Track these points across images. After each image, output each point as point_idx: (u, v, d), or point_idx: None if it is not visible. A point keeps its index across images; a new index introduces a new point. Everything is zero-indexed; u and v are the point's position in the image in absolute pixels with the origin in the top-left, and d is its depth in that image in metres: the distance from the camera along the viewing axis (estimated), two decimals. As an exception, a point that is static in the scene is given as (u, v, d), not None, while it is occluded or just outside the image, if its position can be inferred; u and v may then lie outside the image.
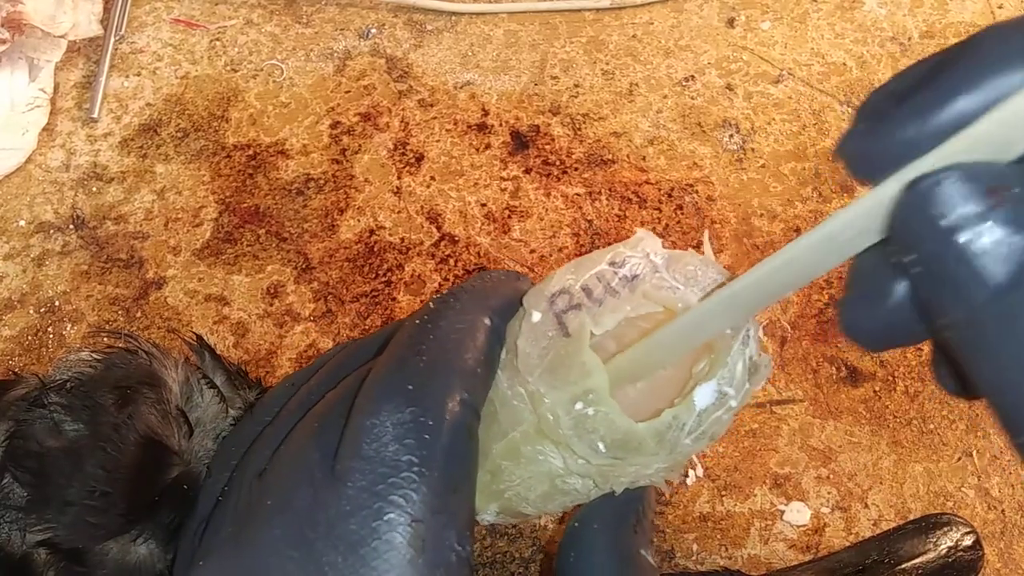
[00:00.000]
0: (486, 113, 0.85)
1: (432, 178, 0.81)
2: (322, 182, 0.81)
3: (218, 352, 0.38)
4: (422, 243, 0.78)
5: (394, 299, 0.75)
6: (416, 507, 0.25)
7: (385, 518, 0.24)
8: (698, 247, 0.31)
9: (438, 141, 0.83)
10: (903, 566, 0.60)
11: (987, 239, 0.18)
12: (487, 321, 0.29)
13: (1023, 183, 0.19)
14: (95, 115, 0.84)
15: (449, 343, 0.28)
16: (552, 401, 0.28)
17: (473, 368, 0.28)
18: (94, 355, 0.34)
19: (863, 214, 0.21)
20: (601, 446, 0.28)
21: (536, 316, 0.29)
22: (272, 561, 0.25)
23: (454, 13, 0.91)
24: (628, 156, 0.82)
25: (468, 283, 0.31)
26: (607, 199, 0.80)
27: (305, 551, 0.25)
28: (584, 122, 0.85)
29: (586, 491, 0.31)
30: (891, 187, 0.20)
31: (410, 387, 0.27)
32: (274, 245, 0.78)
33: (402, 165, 0.82)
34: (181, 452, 0.34)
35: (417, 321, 0.29)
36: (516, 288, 0.31)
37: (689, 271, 0.29)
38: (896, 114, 0.20)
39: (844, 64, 0.88)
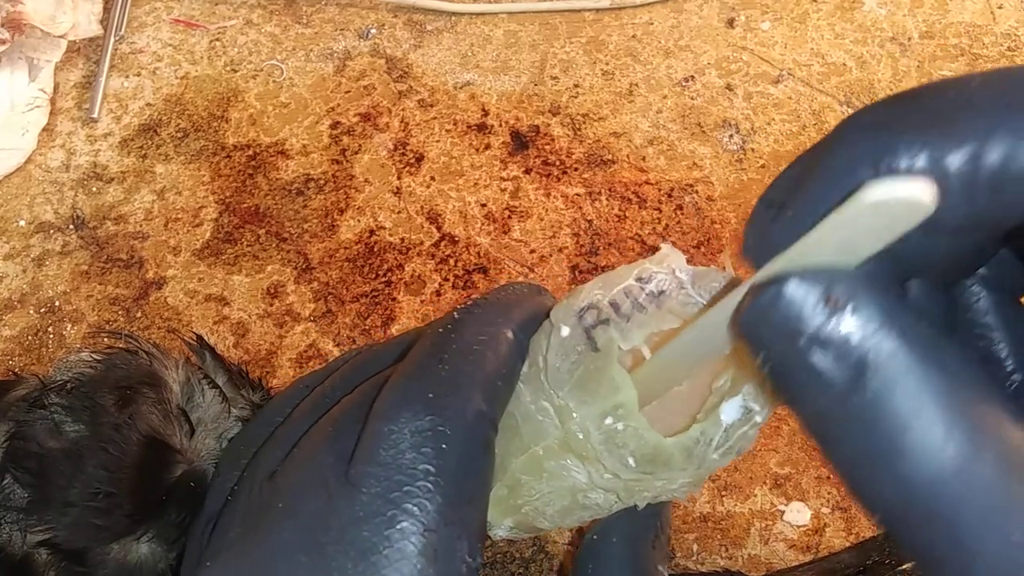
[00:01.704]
0: (486, 113, 0.85)
1: (432, 178, 0.81)
2: (322, 182, 0.81)
3: (218, 352, 0.38)
4: (422, 243, 0.78)
5: (394, 299, 0.75)
6: (430, 517, 0.25)
7: (398, 526, 0.24)
8: (698, 256, 0.31)
9: (438, 141, 0.83)
10: (904, 566, 0.60)
11: (824, 346, 0.19)
12: (510, 334, 0.29)
13: (865, 288, 0.19)
14: (95, 115, 0.84)
15: (471, 354, 0.28)
16: (581, 416, 0.28)
17: (494, 380, 0.28)
18: (94, 356, 0.34)
19: (716, 322, 0.23)
20: (631, 461, 0.29)
21: (565, 331, 0.29)
22: (281, 564, 0.25)
23: (454, 13, 0.91)
24: (628, 156, 0.82)
25: (492, 294, 0.31)
26: (607, 199, 0.80)
27: (315, 555, 0.25)
28: (584, 122, 0.85)
29: (607, 506, 0.31)
30: (738, 294, 0.21)
31: (431, 395, 0.27)
32: (274, 245, 0.78)
33: (402, 165, 0.82)
34: (184, 451, 0.34)
35: (440, 330, 0.29)
36: (539, 302, 0.31)
37: (714, 288, 0.30)
38: (771, 228, 0.22)
39: (844, 64, 0.88)
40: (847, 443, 0.19)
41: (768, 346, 0.20)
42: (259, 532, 0.27)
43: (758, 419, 0.29)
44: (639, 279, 0.30)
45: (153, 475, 0.32)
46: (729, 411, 0.29)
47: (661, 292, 0.29)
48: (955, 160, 0.18)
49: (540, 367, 0.30)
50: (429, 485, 0.25)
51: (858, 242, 0.19)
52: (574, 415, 0.29)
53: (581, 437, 0.29)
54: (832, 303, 0.19)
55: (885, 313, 0.19)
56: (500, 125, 0.84)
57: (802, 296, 0.19)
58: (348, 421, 0.28)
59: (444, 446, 0.26)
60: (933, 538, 0.18)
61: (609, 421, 0.28)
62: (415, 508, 0.25)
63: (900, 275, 0.22)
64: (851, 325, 0.19)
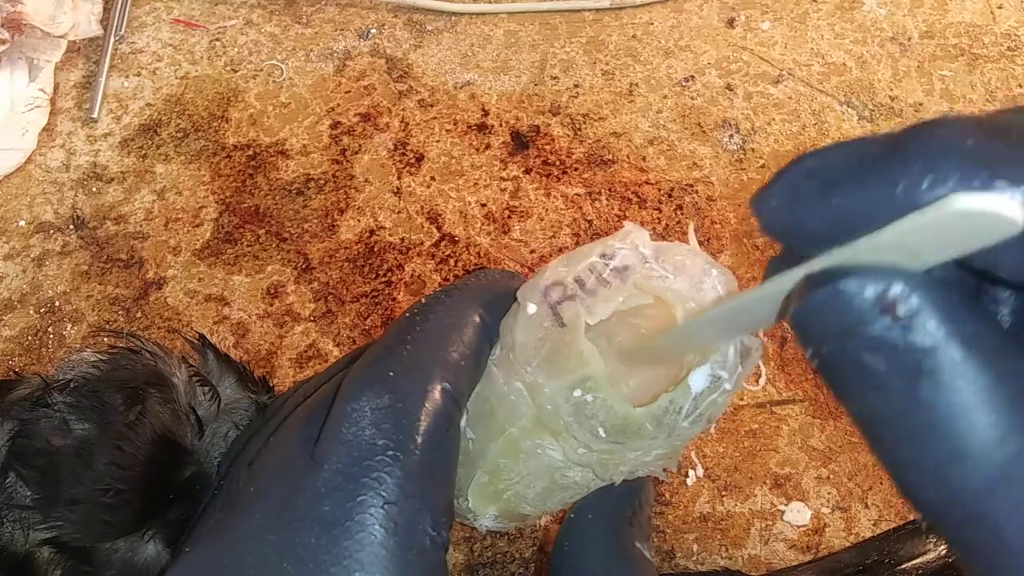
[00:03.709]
0: (486, 113, 0.85)
1: (432, 178, 0.81)
2: (322, 182, 0.81)
3: (222, 352, 0.39)
4: (422, 243, 0.78)
5: (394, 299, 0.75)
6: (389, 490, 0.25)
7: (358, 499, 0.25)
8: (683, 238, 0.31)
9: (438, 141, 0.84)
10: (903, 566, 0.60)
11: (879, 348, 0.18)
12: (476, 317, 0.30)
13: (929, 291, 0.18)
14: (95, 115, 0.84)
15: (435, 335, 0.29)
16: (551, 390, 0.29)
17: (457, 360, 0.28)
18: (99, 355, 0.34)
19: (764, 298, 0.21)
20: (601, 431, 0.29)
21: (531, 308, 0.30)
22: (251, 544, 0.26)
23: (454, 13, 0.91)
24: (628, 156, 0.83)
25: (462, 280, 0.31)
26: (607, 199, 0.80)
27: (282, 533, 0.25)
28: (584, 122, 0.85)
29: (585, 484, 0.32)
30: (791, 278, 0.20)
31: (391, 374, 0.27)
32: (274, 245, 0.78)
33: (402, 165, 0.82)
34: (194, 451, 0.34)
35: (407, 314, 0.30)
36: (509, 286, 0.31)
37: (677, 261, 0.30)
38: (816, 207, 0.20)
39: (844, 64, 0.88)
40: (895, 444, 0.19)
41: (820, 342, 0.19)
42: (233, 515, 0.27)
43: (727, 386, 0.30)
44: (603, 255, 0.30)
45: (164, 474, 0.33)
46: (698, 379, 0.29)
47: (625, 267, 0.30)
48: None
49: (510, 346, 0.30)
50: (388, 459, 0.26)
51: (929, 248, 0.18)
52: (544, 390, 0.29)
53: (551, 411, 0.29)
54: (891, 305, 0.18)
55: (948, 319, 0.18)
56: (500, 125, 0.84)
57: (861, 295, 0.18)
58: (318, 407, 0.29)
59: (403, 422, 0.26)
60: (979, 539, 0.18)
61: (578, 393, 0.29)
62: (374, 482, 0.25)
63: (970, 279, 0.21)
64: (909, 330, 0.18)
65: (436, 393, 0.27)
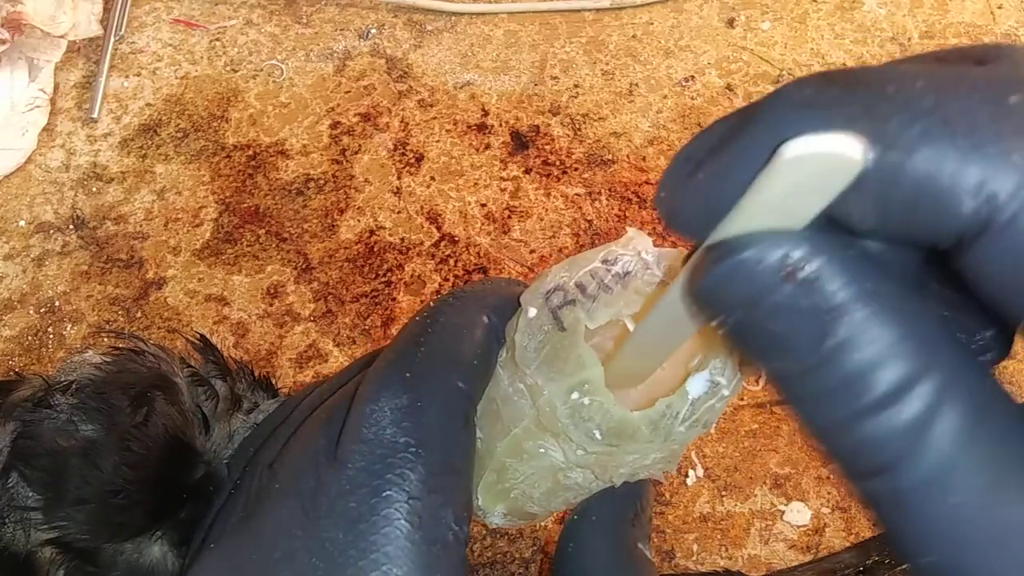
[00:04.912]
0: (486, 113, 0.85)
1: (432, 178, 0.81)
2: (322, 182, 0.81)
3: (220, 352, 0.39)
4: (422, 243, 0.78)
5: (394, 299, 0.75)
6: (413, 486, 0.26)
7: (383, 495, 0.26)
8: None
9: (438, 141, 0.84)
10: (904, 566, 0.61)
11: (785, 313, 0.19)
12: (485, 319, 0.30)
13: (824, 249, 0.19)
14: (95, 115, 0.84)
15: (447, 337, 0.29)
16: (549, 392, 0.29)
17: (469, 360, 0.29)
18: (102, 357, 0.34)
19: (679, 294, 0.22)
20: (597, 434, 0.29)
21: (532, 311, 0.30)
22: (278, 539, 0.26)
23: (454, 13, 0.91)
24: (628, 156, 0.83)
25: (468, 285, 0.32)
26: (607, 199, 0.80)
27: (309, 528, 0.26)
28: (584, 122, 0.85)
29: (587, 484, 0.32)
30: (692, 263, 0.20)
31: (408, 375, 0.28)
32: (274, 245, 0.78)
33: (402, 165, 0.82)
34: (203, 452, 0.34)
35: (418, 318, 0.30)
36: (514, 291, 0.32)
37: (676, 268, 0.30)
38: (685, 186, 0.20)
39: (844, 64, 0.88)
40: (809, 403, 0.19)
41: (727, 314, 0.20)
42: (258, 513, 0.28)
43: (725, 392, 0.30)
44: (605, 261, 0.30)
45: (175, 474, 0.33)
46: (696, 385, 0.30)
47: (627, 273, 0.30)
48: (878, 159, 0.17)
49: (512, 349, 0.30)
50: (410, 456, 0.26)
51: (795, 203, 0.18)
52: (543, 392, 0.29)
53: (549, 412, 0.30)
54: (793, 271, 0.18)
55: (850, 280, 0.18)
56: (500, 125, 0.84)
57: (762, 263, 0.19)
58: (339, 408, 0.29)
59: (423, 420, 0.27)
60: (882, 490, 0.19)
61: (575, 396, 0.29)
62: (398, 478, 0.26)
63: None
64: (812, 294, 0.18)
65: (452, 392, 0.28)
